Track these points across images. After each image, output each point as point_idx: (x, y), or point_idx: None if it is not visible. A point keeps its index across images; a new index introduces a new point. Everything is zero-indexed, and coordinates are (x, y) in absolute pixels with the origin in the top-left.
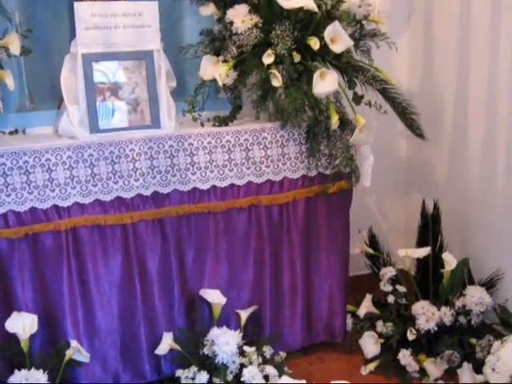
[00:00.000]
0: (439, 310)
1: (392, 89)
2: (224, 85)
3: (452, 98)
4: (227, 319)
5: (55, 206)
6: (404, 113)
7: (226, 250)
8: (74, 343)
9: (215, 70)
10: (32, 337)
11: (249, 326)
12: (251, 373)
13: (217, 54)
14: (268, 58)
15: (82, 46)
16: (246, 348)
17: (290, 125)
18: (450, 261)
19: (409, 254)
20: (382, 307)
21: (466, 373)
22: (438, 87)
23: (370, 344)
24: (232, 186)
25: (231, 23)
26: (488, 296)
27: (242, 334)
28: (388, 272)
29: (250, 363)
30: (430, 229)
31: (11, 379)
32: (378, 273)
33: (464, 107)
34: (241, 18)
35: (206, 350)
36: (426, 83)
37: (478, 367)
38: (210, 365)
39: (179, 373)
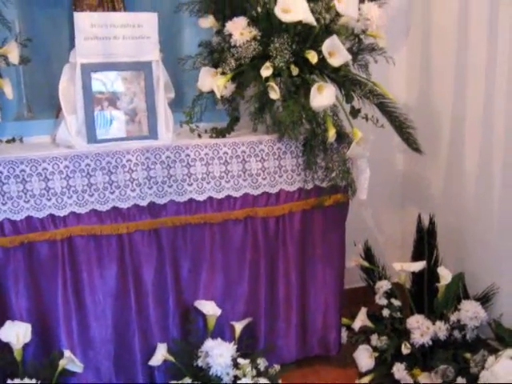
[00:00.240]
0: (434, 324)
1: (389, 103)
2: (222, 96)
3: (449, 112)
4: (222, 331)
5: (51, 215)
6: (401, 127)
7: (221, 261)
8: (67, 353)
9: (213, 81)
10: (25, 346)
11: (243, 338)
12: None
13: (215, 65)
14: (266, 71)
15: (81, 56)
16: (240, 360)
17: (287, 137)
18: (445, 275)
19: (404, 267)
20: (377, 321)
21: None
22: (435, 102)
23: (364, 357)
24: (228, 197)
25: (230, 35)
26: (483, 311)
27: (236, 346)
28: (383, 285)
29: (244, 375)
30: (425, 243)
31: None
32: (374, 286)
33: (461, 122)
34: (239, 30)
35: (200, 362)
36: (423, 98)
37: (473, 382)
38: (203, 377)
39: None
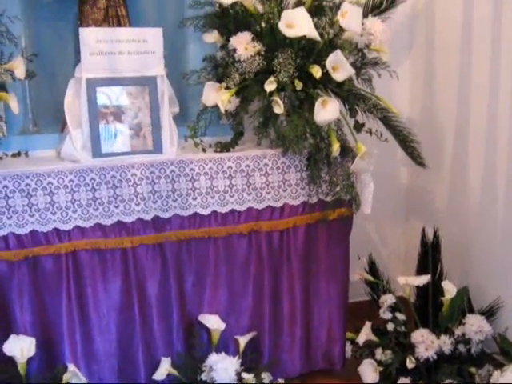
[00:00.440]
0: (439, 338)
1: (393, 117)
2: (226, 111)
3: (453, 126)
4: (226, 345)
5: (56, 229)
6: (405, 141)
7: (225, 275)
8: (71, 367)
9: (218, 96)
10: (30, 360)
11: (247, 353)
12: None
13: (219, 80)
14: (270, 86)
15: (86, 71)
16: (244, 375)
17: (291, 151)
18: (449, 289)
19: (409, 281)
20: (382, 335)
21: None
22: (438, 116)
23: (369, 372)
24: (232, 211)
25: (234, 50)
26: (488, 325)
27: (240, 361)
28: (388, 299)
29: None
30: (429, 257)
31: None
32: (378, 300)
33: (464, 136)
34: (244, 45)
35: (204, 376)
36: (427, 112)
37: None
38: None
39: None
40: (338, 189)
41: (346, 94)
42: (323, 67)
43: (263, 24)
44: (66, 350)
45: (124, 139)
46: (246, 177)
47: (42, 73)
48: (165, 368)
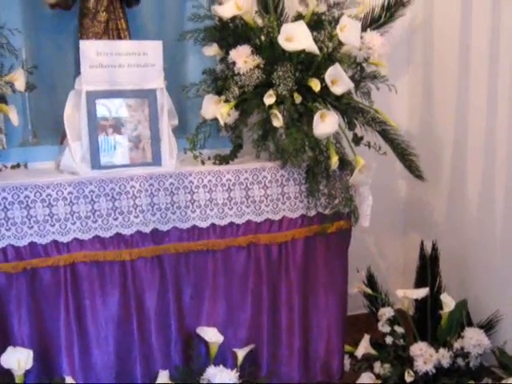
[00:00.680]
0: (437, 351)
1: (391, 130)
2: (225, 124)
3: (451, 139)
4: (224, 358)
5: (55, 242)
6: (403, 154)
7: (224, 287)
8: (69, 379)
9: (217, 109)
10: (27, 372)
11: (245, 365)
12: None
13: (219, 93)
14: (269, 99)
15: (86, 83)
16: None
17: (290, 164)
18: (448, 302)
19: (407, 294)
20: (380, 348)
21: None
22: (437, 129)
23: None
24: (231, 224)
25: (234, 63)
26: (486, 338)
27: (238, 373)
28: (386, 313)
29: None
30: (428, 270)
31: None
32: (377, 313)
33: (463, 148)
34: (243, 58)
35: None
36: (425, 125)
37: None
38: None
39: None
40: (336, 202)
41: (345, 107)
42: (322, 80)
43: (263, 37)
44: (63, 362)
45: (123, 151)
46: (245, 189)
47: (41, 85)
48: (162, 381)
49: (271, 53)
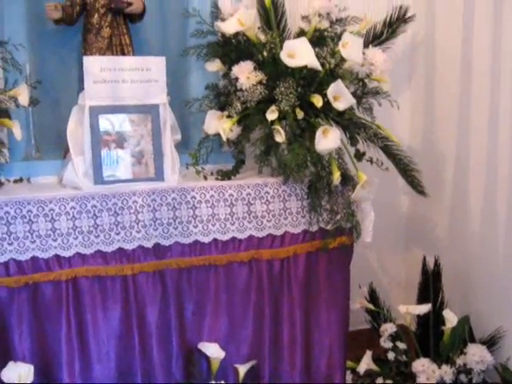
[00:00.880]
0: (440, 367)
1: (393, 146)
2: (228, 139)
3: (453, 154)
4: (225, 374)
5: (56, 256)
6: (405, 170)
7: (225, 303)
8: None
9: (219, 124)
10: None
11: (247, 381)
12: None
13: (221, 108)
14: (272, 114)
15: (89, 98)
16: None
17: (292, 180)
18: (450, 318)
19: (409, 310)
20: (382, 364)
21: None
22: (439, 144)
23: None
24: (233, 239)
25: (236, 79)
26: (489, 354)
27: None
28: (388, 328)
29: None
30: (430, 285)
31: None
32: (379, 328)
33: (465, 164)
34: (246, 74)
35: None
36: (427, 140)
37: None
38: None
39: None
40: (338, 217)
41: (347, 122)
42: (324, 96)
43: (265, 53)
44: (64, 377)
45: (126, 166)
46: (247, 205)
47: (45, 99)
48: None
49: (274, 68)
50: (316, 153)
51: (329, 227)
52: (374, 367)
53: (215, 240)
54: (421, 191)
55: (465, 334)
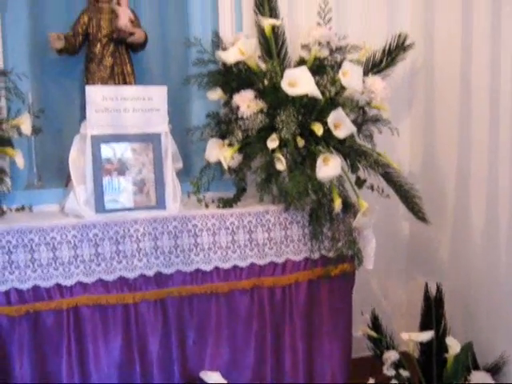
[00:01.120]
0: None
1: (394, 173)
2: (229, 167)
3: (453, 180)
4: None
5: (58, 285)
6: (406, 196)
7: (227, 331)
8: None
9: (221, 152)
10: None
11: None
12: None
13: (222, 136)
14: (272, 143)
15: (91, 127)
16: None
17: (294, 207)
18: (453, 345)
19: (412, 337)
20: None
21: None
22: (439, 169)
23: None
24: (235, 267)
25: (237, 108)
26: (493, 382)
27: None
28: (391, 356)
29: None
30: (433, 312)
31: None
32: (381, 355)
33: (466, 190)
34: (247, 103)
35: None
36: (428, 166)
37: None
38: None
39: None
40: (340, 244)
41: (348, 150)
42: (325, 124)
43: (266, 82)
44: None
45: (127, 195)
46: (249, 233)
47: (47, 128)
48: None
49: (274, 97)
50: (317, 180)
51: (330, 254)
52: None
53: (217, 268)
54: (422, 218)
55: (468, 361)
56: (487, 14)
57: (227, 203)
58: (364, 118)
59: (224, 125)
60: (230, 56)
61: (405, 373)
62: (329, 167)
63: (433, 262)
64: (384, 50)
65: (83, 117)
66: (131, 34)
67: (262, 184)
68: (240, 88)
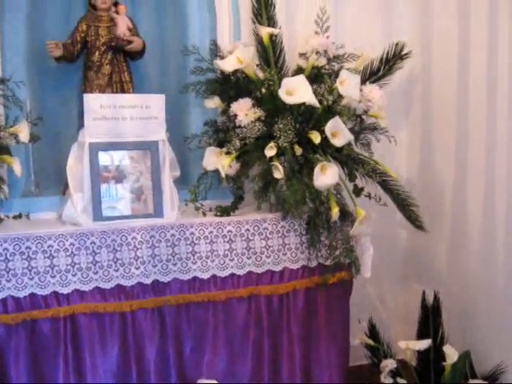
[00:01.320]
0: None
1: (391, 181)
2: (227, 175)
3: (451, 188)
4: None
5: (55, 293)
6: (403, 204)
7: (224, 339)
8: None
9: (218, 161)
10: None
11: None
12: None
13: (220, 145)
14: (270, 151)
15: (89, 135)
16: None
17: (291, 216)
18: (451, 354)
19: (410, 346)
20: None
21: None
22: (436, 178)
23: None
24: (232, 275)
25: (235, 116)
26: None
27: None
28: (389, 364)
29: None
30: (430, 320)
31: None
32: (379, 364)
33: (463, 198)
34: (244, 111)
35: None
36: (425, 174)
37: None
38: None
39: None
40: (337, 253)
41: (345, 158)
42: (322, 132)
43: (263, 90)
44: None
45: (125, 203)
46: (246, 241)
47: (45, 136)
48: None
49: (272, 105)
50: (314, 189)
51: (328, 263)
52: None
53: (214, 276)
54: (419, 226)
55: (466, 370)
56: (484, 23)
57: (225, 211)
58: (361, 126)
59: (222, 133)
60: (227, 64)
61: (402, 381)
62: (326, 175)
63: (430, 270)
64: (381, 59)
65: (81, 125)
66: (129, 42)
67: (260, 192)
68: (238, 96)
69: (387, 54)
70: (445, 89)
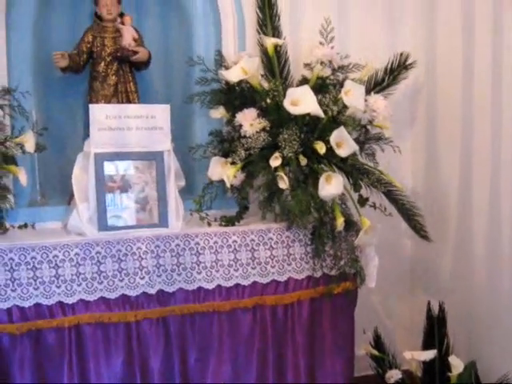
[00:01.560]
0: None
1: (396, 191)
2: (232, 185)
3: (455, 198)
4: None
5: (60, 303)
6: (408, 214)
7: (229, 350)
8: None
9: (223, 171)
10: None
11: None
12: None
13: (225, 155)
14: (275, 161)
15: (95, 145)
16: None
17: (296, 226)
18: (456, 364)
19: (415, 356)
20: None
21: None
22: (441, 188)
23: None
24: (237, 285)
25: (240, 126)
26: None
27: None
28: (394, 375)
29: None
30: (435, 331)
31: None
32: (384, 374)
33: (468, 207)
34: (249, 121)
35: None
36: (430, 184)
37: None
38: None
39: None
40: (342, 263)
41: (350, 168)
42: (327, 143)
43: (268, 101)
44: None
45: (130, 213)
46: (251, 251)
47: (51, 146)
48: None
49: (277, 115)
50: (319, 199)
51: (333, 273)
52: None
53: (219, 286)
54: (424, 236)
55: (471, 381)
56: (488, 32)
57: (230, 221)
58: (366, 136)
59: (227, 143)
60: (232, 75)
61: None
62: (331, 186)
63: (435, 281)
64: (386, 69)
65: (87, 135)
66: (135, 52)
67: (265, 202)
68: (243, 106)
69: (392, 64)
70: (450, 98)
